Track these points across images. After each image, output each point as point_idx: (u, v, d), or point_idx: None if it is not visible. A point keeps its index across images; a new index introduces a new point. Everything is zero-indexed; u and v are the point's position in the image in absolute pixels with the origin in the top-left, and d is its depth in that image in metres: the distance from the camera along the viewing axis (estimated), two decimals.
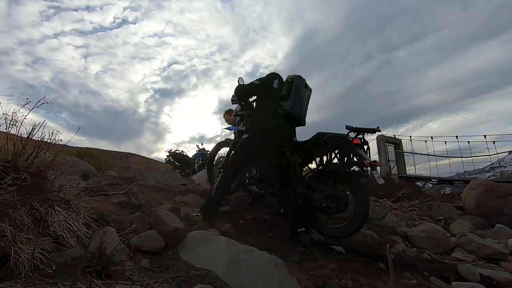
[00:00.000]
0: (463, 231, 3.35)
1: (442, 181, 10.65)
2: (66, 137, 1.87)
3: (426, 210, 4.84)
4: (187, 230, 1.94)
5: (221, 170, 2.47)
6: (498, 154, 11.05)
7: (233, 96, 2.89)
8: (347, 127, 2.39)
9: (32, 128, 1.69)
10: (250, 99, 2.79)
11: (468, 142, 11.44)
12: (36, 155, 1.68)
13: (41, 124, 1.72)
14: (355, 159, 2.31)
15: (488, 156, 11.04)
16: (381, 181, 2.30)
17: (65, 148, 2.75)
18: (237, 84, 2.75)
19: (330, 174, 2.48)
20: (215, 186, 2.40)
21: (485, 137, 11.00)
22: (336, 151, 2.41)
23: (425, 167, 12.00)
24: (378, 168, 2.35)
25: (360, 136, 2.40)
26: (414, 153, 12.34)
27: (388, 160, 11.90)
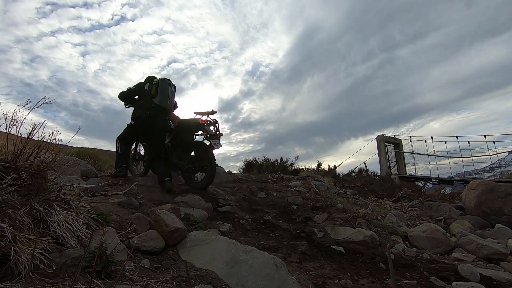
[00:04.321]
0: (463, 231, 3.35)
1: (442, 181, 10.67)
2: (65, 136, 1.87)
3: (426, 210, 4.84)
4: (187, 230, 1.94)
5: (117, 140, 3.53)
6: (498, 154, 11.09)
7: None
8: (194, 112, 3.56)
9: (32, 128, 1.69)
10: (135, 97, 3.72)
11: (468, 142, 11.48)
12: (36, 155, 1.68)
13: (41, 124, 1.72)
14: (198, 133, 3.50)
15: (488, 156, 11.08)
16: (217, 146, 3.29)
17: (65, 148, 2.76)
18: (124, 90, 3.69)
19: (191, 145, 3.56)
20: (118, 146, 3.48)
21: (485, 137, 11.04)
22: (186, 130, 3.53)
23: (425, 167, 12.05)
24: (221, 138, 3.41)
25: (206, 117, 3.45)
26: (414, 153, 12.37)
27: (388, 160, 11.92)
